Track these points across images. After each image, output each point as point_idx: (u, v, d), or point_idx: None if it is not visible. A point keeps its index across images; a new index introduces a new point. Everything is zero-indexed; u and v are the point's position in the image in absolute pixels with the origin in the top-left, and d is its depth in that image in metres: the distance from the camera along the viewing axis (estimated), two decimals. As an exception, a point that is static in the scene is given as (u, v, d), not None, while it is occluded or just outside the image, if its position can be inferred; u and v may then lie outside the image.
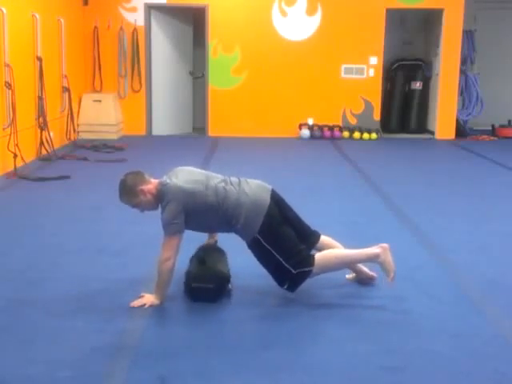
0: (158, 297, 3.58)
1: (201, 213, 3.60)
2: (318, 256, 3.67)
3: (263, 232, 3.58)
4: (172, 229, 3.54)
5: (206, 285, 3.62)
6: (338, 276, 3.89)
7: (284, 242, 3.63)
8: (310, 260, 3.63)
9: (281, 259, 3.58)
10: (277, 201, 3.71)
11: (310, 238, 3.82)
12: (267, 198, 3.66)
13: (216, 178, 3.73)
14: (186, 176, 3.68)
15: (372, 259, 3.68)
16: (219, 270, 3.74)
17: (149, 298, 3.57)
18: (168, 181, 3.62)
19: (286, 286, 3.66)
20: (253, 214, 3.59)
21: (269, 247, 3.58)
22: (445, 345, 3.18)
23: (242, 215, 3.58)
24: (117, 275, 4.03)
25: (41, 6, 8.48)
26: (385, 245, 3.66)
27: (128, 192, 3.62)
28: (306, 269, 3.61)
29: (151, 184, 3.64)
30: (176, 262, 3.57)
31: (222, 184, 3.68)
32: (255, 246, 3.63)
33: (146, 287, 3.76)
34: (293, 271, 3.59)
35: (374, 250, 3.67)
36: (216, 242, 4.07)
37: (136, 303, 3.55)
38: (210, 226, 3.75)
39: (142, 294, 3.62)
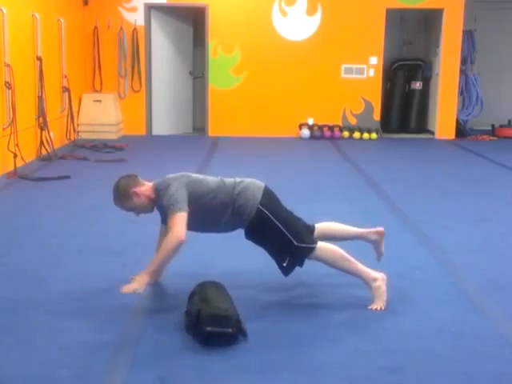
0: (149, 272, 3.45)
1: (199, 199, 3.59)
2: (327, 244, 3.67)
3: (265, 203, 3.62)
4: (181, 205, 3.47)
5: (224, 329, 3.13)
6: (338, 276, 3.88)
7: (285, 213, 3.69)
8: (312, 238, 3.66)
9: (283, 229, 3.58)
10: (271, 191, 3.77)
11: (306, 226, 3.82)
12: (262, 183, 3.77)
13: (211, 176, 3.82)
14: (181, 173, 3.74)
15: (368, 278, 3.62)
16: (235, 311, 3.26)
17: (139, 281, 3.41)
18: (164, 178, 3.67)
19: (285, 263, 3.61)
20: (252, 188, 3.66)
21: (272, 217, 3.59)
22: (445, 345, 3.18)
23: (242, 191, 3.63)
24: (117, 275, 4.02)
25: (41, 5, 8.48)
26: (384, 275, 3.64)
27: (121, 195, 3.62)
28: (308, 245, 3.60)
29: (145, 186, 3.65)
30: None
31: (218, 177, 3.78)
32: (257, 220, 3.60)
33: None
34: (295, 243, 3.57)
35: (375, 272, 3.66)
36: None
37: (126, 289, 3.40)
38: (210, 217, 3.68)
39: (131, 277, 3.51)
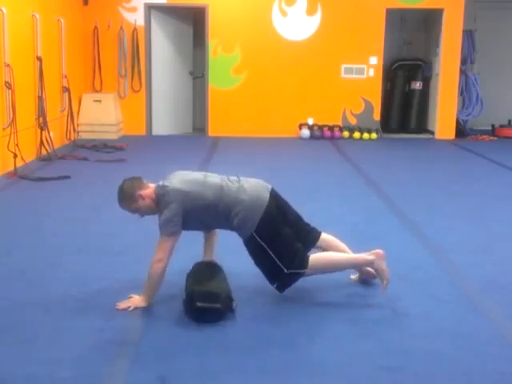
0: (146, 298, 3.55)
1: (199, 211, 3.59)
2: (312, 258, 3.66)
3: (260, 230, 3.58)
4: (169, 229, 3.53)
5: (213, 304, 3.36)
6: (338, 276, 3.88)
7: (280, 241, 3.63)
8: (304, 262, 3.63)
9: (274, 257, 3.58)
10: (276, 199, 3.72)
11: (309, 236, 3.82)
12: (266, 196, 3.65)
13: (214, 177, 3.74)
14: (183, 177, 3.69)
15: (367, 264, 3.69)
16: (225, 288, 3.52)
17: (135, 301, 3.55)
18: (166, 183, 3.64)
19: (275, 285, 3.67)
20: (251, 213, 3.58)
21: (264, 245, 3.58)
22: (445, 345, 3.18)
23: (239, 213, 3.57)
24: (117, 275, 4.04)
25: (41, 5, 8.48)
26: (380, 251, 3.66)
27: (127, 197, 3.63)
28: (299, 270, 3.63)
29: (149, 188, 3.65)
30: (168, 265, 3.55)
31: (220, 182, 3.68)
32: (250, 243, 3.63)
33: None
34: (285, 271, 3.60)
35: (367, 256, 3.68)
36: (212, 257, 3.97)
37: (121, 305, 3.53)
38: (208, 224, 3.74)
39: (130, 296, 3.61)
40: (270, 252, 3.59)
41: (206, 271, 3.66)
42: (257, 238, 3.58)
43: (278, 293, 3.70)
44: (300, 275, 3.64)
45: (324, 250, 3.83)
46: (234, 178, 3.75)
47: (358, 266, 3.80)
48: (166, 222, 3.53)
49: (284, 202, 3.79)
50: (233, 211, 3.58)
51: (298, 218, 3.83)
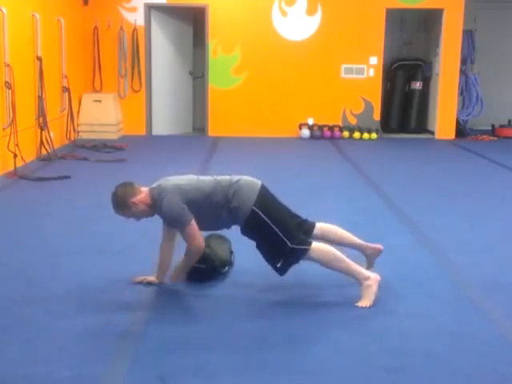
0: (175, 275, 3.80)
1: (198, 205, 3.62)
2: (321, 245, 3.67)
3: (260, 204, 3.63)
4: (185, 217, 3.58)
5: (199, 265, 3.84)
6: (338, 275, 3.88)
7: (280, 215, 3.69)
8: (306, 240, 3.65)
9: (277, 231, 3.59)
10: (267, 190, 3.79)
11: (302, 226, 3.83)
12: (259, 182, 3.78)
13: (206, 176, 3.86)
14: (176, 177, 3.79)
15: (361, 277, 3.64)
16: (215, 252, 3.98)
17: (151, 279, 3.83)
18: (160, 182, 3.72)
19: (279, 264, 3.64)
20: (247, 189, 3.67)
21: (266, 219, 3.60)
22: (445, 345, 3.18)
23: (237, 192, 3.64)
24: (117, 275, 4.03)
25: (41, 5, 8.48)
26: (379, 277, 3.66)
27: (120, 205, 3.69)
28: (302, 247, 3.61)
29: (142, 193, 3.69)
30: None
31: (213, 177, 3.80)
32: (251, 221, 3.63)
33: (146, 287, 3.77)
34: (289, 244, 3.59)
35: (367, 271, 3.70)
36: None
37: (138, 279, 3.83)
38: (207, 219, 3.71)
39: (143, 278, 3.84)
40: (273, 226, 3.59)
41: (215, 239, 4.14)
42: (258, 212, 3.60)
43: (280, 276, 3.68)
44: (303, 253, 3.61)
45: (321, 238, 3.84)
46: (225, 175, 3.85)
47: (351, 275, 3.71)
48: (179, 214, 3.58)
49: (274, 196, 3.83)
50: (230, 192, 3.65)
51: (289, 209, 3.86)
